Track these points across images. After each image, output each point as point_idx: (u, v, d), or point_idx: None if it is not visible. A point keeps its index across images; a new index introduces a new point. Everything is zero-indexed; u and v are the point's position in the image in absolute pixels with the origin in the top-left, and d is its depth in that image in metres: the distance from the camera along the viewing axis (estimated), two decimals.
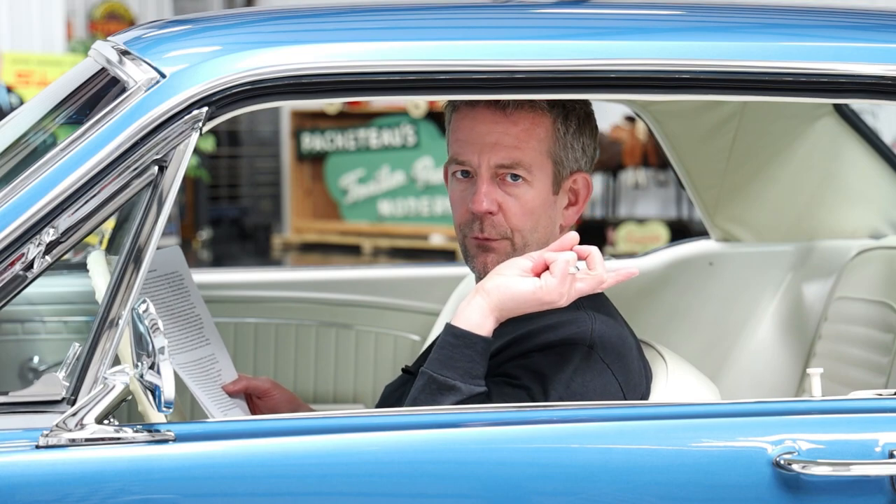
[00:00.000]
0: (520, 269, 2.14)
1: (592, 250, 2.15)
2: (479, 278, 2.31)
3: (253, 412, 2.41)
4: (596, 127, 2.36)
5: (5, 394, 2.01)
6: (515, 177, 2.26)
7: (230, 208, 14.41)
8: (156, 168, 2.02)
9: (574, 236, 2.16)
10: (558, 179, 2.29)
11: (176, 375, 2.22)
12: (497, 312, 2.14)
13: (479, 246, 2.28)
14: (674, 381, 2.24)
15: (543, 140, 2.26)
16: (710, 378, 2.32)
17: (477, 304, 2.14)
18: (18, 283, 1.99)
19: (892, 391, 2.16)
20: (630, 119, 11.47)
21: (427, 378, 2.12)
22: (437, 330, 2.58)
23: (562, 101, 2.27)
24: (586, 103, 2.33)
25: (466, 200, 2.28)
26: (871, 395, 2.16)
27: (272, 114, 14.01)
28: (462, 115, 2.30)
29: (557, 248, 2.15)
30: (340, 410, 2.41)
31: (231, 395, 2.37)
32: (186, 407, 2.93)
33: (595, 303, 2.28)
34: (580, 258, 2.15)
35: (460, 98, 2.28)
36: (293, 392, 2.56)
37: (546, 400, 2.13)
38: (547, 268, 2.13)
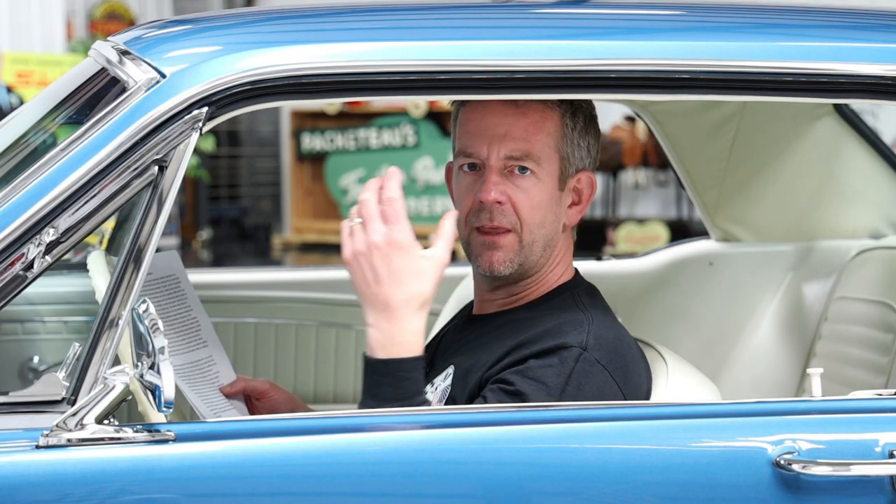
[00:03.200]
0: None
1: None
2: (484, 278, 2.31)
3: (252, 414, 2.41)
4: (599, 129, 2.36)
5: (5, 394, 2.01)
6: (523, 169, 2.25)
7: (230, 208, 14.42)
8: (156, 168, 2.02)
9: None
10: (564, 176, 2.28)
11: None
12: (368, 318, 2.10)
13: (484, 243, 2.26)
14: (674, 381, 2.24)
15: (552, 134, 2.27)
16: (710, 378, 2.32)
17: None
18: (18, 283, 1.99)
19: (892, 391, 2.16)
20: (630, 119, 11.47)
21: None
22: (437, 330, 2.58)
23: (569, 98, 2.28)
24: (591, 105, 2.33)
25: (474, 192, 2.26)
26: (871, 395, 2.16)
27: (272, 114, 14.02)
28: (471, 109, 2.30)
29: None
30: (340, 410, 2.40)
31: (229, 396, 2.37)
32: (186, 407, 2.93)
33: (594, 302, 2.28)
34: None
35: (460, 98, 2.28)
36: (293, 392, 2.56)
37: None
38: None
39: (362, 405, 2.10)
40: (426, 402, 2.12)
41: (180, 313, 2.38)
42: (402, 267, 2.07)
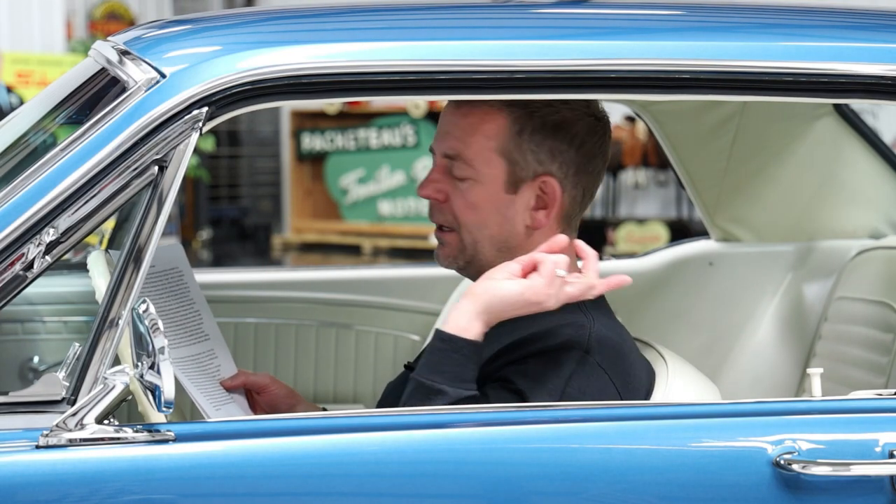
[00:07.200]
0: (508, 272, 2.15)
1: (589, 254, 2.16)
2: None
3: (252, 408, 2.41)
4: (580, 133, 2.27)
5: (5, 394, 2.01)
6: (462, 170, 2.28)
7: (230, 208, 14.42)
8: (156, 168, 2.02)
9: (562, 239, 2.18)
10: (515, 179, 2.25)
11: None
12: (486, 315, 2.14)
13: (437, 237, 2.33)
14: (674, 381, 2.24)
15: (492, 137, 2.25)
16: (710, 378, 2.32)
17: (464, 307, 2.15)
18: (18, 283, 1.99)
19: (892, 391, 2.16)
20: (630, 119, 11.47)
21: (416, 384, 2.13)
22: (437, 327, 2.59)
23: (524, 101, 2.23)
24: (554, 110, 2.26)
25: None
26: (871, 395, 2.16)
27: (272, 114, 14.02)
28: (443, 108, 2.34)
29: (546, 250, 2.15)
30: (340, 410, 2.41)
31: (229, 390, 2.37)
32: (186, 407, 2.92)
33: (596, 303, 2.28)
34: (579, 258, 2.15)
35: (460, 98, 2.28)
36: None
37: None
38: (535, 269, 2.14)
39: (419, 374, 2.13)
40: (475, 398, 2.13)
41: (182, 306, 2.37)
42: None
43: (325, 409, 2.53)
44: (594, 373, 2.16)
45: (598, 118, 2.30)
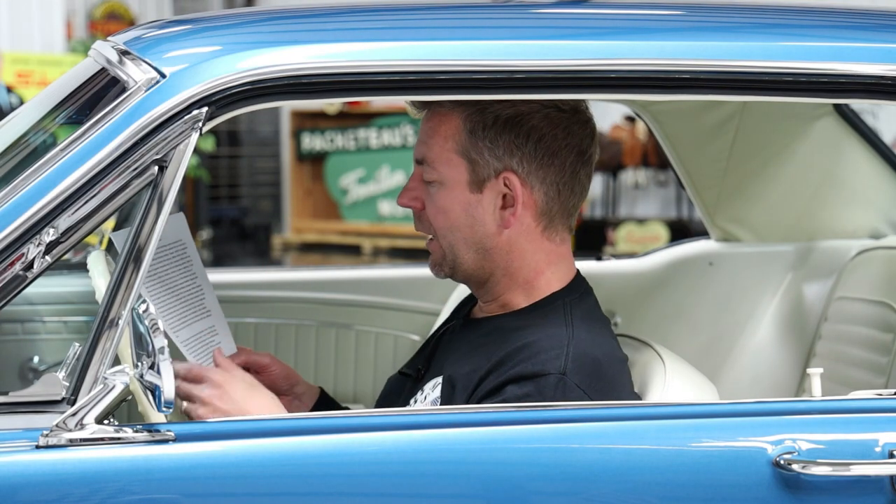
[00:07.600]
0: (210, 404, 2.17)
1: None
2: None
3: None
4: (538, 126, 2.24)
5: (5, 394, 2.01)
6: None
7: (230, 208, 14.43)
8: (156, 168, 2.01)
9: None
10: (478, 179, 2.24)
11: (179, 352, 2.22)
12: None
13: (426, 247, 2.33)
14: (672, 381, 2.24)
15: (450, 137, 2.25)
16: (709, 378, 2.32)
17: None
18: (18, 283, 1.99)
19: (892, 391, 2.16)
20: (630, 119, 11.47)
21: None
22: (436, 328, 2.58)
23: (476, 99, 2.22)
24: (509, 104, 2.24)
25: None
26: (871, 395, 2.16)
27: (272, 114, 14.04)
28: None
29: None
30: (340, 410, 2.40)
31: None
32: None
33: (583, 314, 2.25)
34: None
35: (460, 98, 2.27)
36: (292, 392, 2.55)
37: None
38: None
39: None
40: None
41: (186, 280, 2.37)
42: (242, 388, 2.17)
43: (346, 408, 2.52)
44: (573, 395, 2.12)
45: (561, 109, 2.26)
